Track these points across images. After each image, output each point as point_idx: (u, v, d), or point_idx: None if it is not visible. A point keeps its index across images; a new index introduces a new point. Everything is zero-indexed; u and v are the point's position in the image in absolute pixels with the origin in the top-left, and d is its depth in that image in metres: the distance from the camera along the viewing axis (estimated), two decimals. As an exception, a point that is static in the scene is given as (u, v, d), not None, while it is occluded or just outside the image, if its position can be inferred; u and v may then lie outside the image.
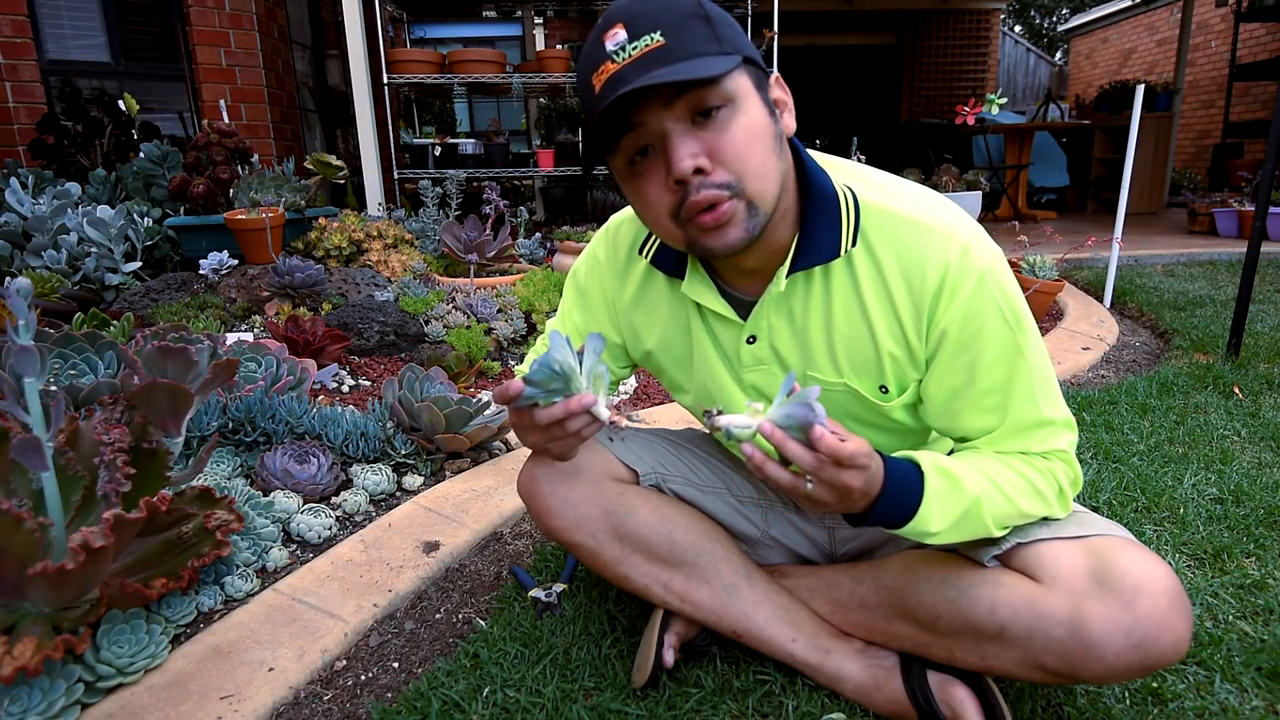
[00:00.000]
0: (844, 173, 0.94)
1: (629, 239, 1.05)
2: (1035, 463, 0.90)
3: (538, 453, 1.10)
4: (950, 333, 0.87)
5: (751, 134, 0.79)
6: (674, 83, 0.74)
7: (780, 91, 0.87)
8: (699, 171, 0.79)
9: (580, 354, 0.82)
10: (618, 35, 0.77)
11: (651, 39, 0.76)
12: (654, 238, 1.01)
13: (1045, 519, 0.92)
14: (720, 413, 0.76)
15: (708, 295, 0.97)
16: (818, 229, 0.89)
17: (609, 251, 1.08)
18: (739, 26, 0.83)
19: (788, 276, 0.91)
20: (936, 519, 0.84)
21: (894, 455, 0.86)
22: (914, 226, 0.88)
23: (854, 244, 0.89)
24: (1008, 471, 0.89)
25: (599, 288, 1.09)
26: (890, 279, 0.89)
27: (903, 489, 0.83)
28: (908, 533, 0.85)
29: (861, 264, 0.90)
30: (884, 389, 0.95)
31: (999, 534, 0.89)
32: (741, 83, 0.79)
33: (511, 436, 1.96)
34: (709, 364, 1.03)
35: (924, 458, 0.86)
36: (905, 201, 0.90)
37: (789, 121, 0.86)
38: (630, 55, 0.76)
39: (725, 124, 0.78)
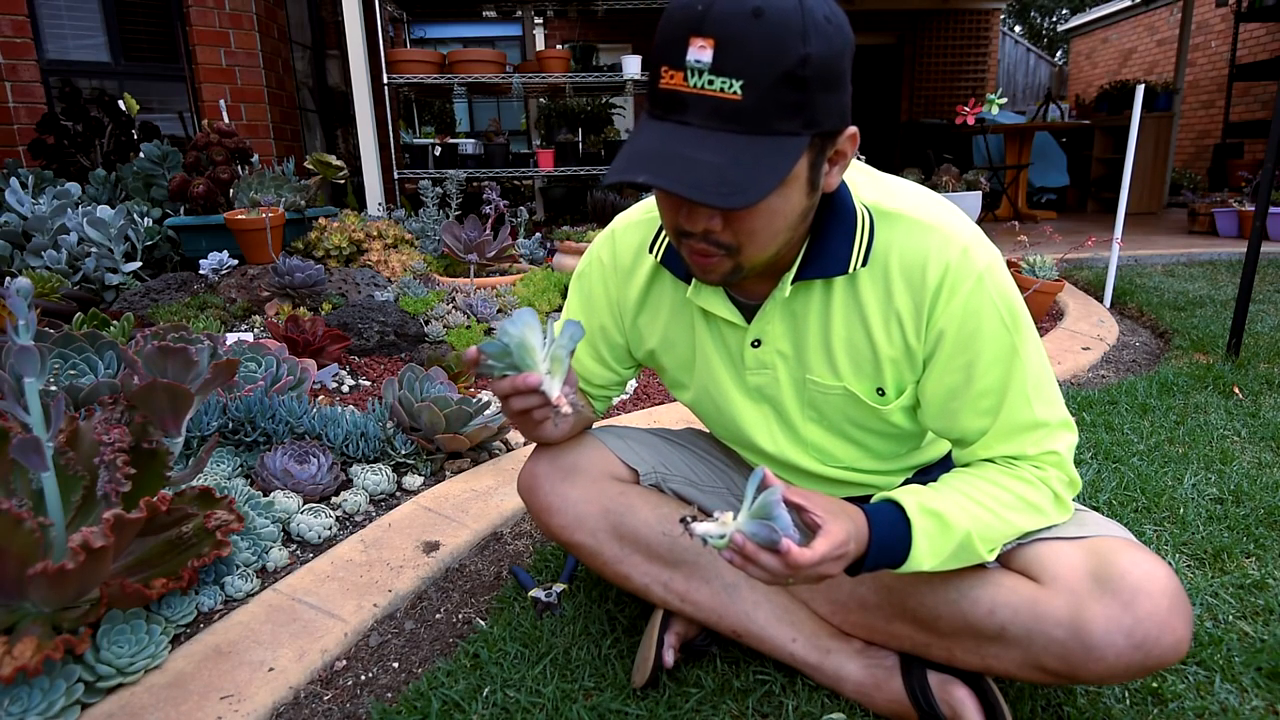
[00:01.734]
0: (852, 173, 0.93)
1: (635, 241, 1.05)
2: (1025, 475, 0.90)
3: (539, 448, 1.11)
4: (948, 332, 0.88)
5: (774, 216, 0.79)
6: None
7: (848, 145, 0.81)
8: (708, 231, 0.79)
9: (550, 335, 0.86)
10: (703, 51, 0.70)
11: (729, 86, 0.70)
12: (663, 237, 1.01)
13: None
14: (695, 519, 0.77)
15: (713, 300, 0.97)
16: (830, 243, 0.89)
17: (611, 256, 1.08)
18: (844, 72, 0.75)
19: (793, 283, 0.91)
20: (927, 559, 0.85)
21: (879, 501, 0.87)
22: (915, 226, 0.88)
23: (864, 263, 0.89)
24: (1000, 491, 0.88)
25: (603, 291, 1.09)
26: (891, 278, 0.89)
27: (889, 540, 0.84)
28: (900, 573, 0.87)
29: (865, 272, 0.90)
30: (881, 391, 0.95)
31: (991, 558, 0.89)
32: (796, 168, 0.75)
33: (512, 436, 1.96)
34: (710, 366, 1.03)
35: (909, 500, 0.86)
36: (906, 202, 0.90)
37: (833, 179, 0.82)
38: (703, 88, 0.71)
39: (755, 206, 0.76)
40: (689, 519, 0.76)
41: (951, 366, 0.89)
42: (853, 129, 0.80)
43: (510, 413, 0.93)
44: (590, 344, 1.12)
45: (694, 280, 0.97)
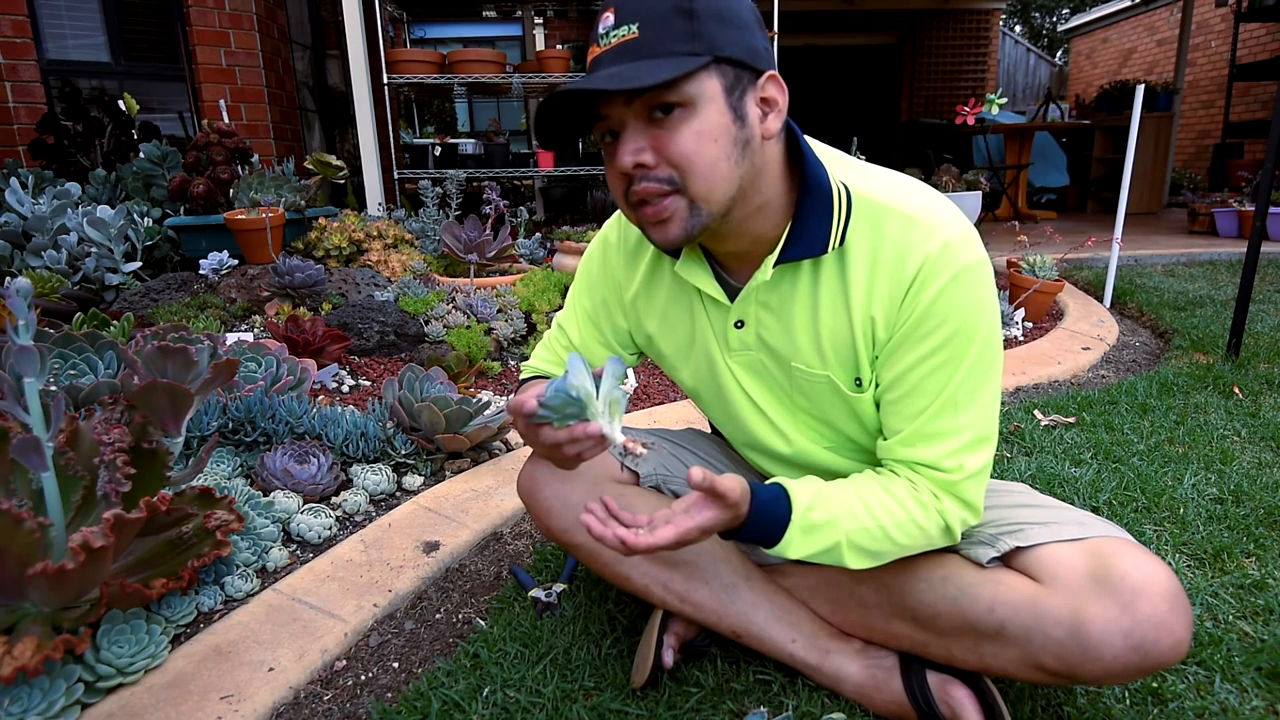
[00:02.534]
0: (840, 165, 0.94)
1: None
2: (924, 499, 0.90)
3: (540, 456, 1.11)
4: (910, 321, 0.87)
5: (702, 137, 0.80)
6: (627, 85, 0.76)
7: (774, 90, 0.85)
8: (640, 166, 0.82)
9: (598, 378, 0.82)
10: (608, 19, 0.81)
11: (629, 30, 0.79)
12: None
13: (1032, 523, 0.93)
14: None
15: (701, 276, 0.98)
16: (809, 222, 0.89)
17: (619, 235, 1.10)
18: (743, 18, 0.82)
19: (775, 266, 0.91)
20: (795, 550, 0.88)
21: (769, 490, 0.88)
22: (901, 218, 0.88)
23: (842, 241, 0.89)
24: (896, 509, 0.90)
25: (608, 271, 1.11)
26: (875, 268, 0.89)
27: (765, 524, 0.87)
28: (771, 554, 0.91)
29: (849, 257, 0.90)
30: (858, 381, 0.95)
31: (855, 567, 0.91)
32: (707, 85, 0.79)
33: (512, 436, 1.96)
34: (708, 349, 1.04)
35: (800, 496, 0.88)
36: (895, 194, 0.90)
37: (772, 124, 0.85)
38: (610, 42, 0.80)
39: (677, 124, 0.80)
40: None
41: (902, 359, 0.89)
42: (772, 72, 0.85)
43: (559, 457, 0.88)
44: (594, 324, 1.13)
45: (683, 254, 0.98)
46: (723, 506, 0.83)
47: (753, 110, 0.83)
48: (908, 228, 0.87)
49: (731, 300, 0.98)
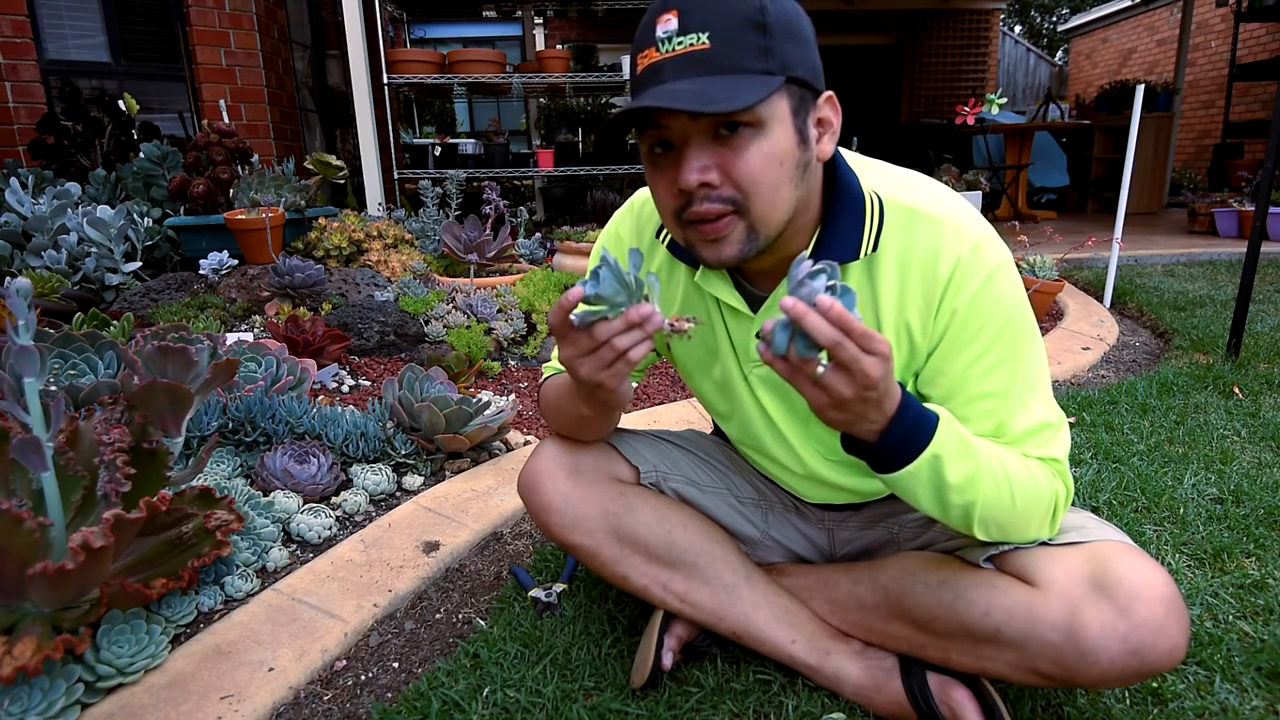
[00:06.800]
0: (867, 169, 0.93)
1: (656, 219, 1.03)
2: (1047, 470, 0.88)
3: (541, 447, 1.10)
4: (953, 326, 0.87)
5: (769, 160, 0.78)
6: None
7: (829, 111, 0.83)
8: (705, 185, 0.78)
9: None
10: (669, 23, 0.76)
11: (698, 39, 0.75)
12: None
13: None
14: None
15: (721, 287, 0.96)
16: (841, 230, 0.88)
17: (634, 230, 1.06)
18: (807, 35, 0.79)
19: None
20: (949, 452, 0.79)
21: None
22: (930, 221, 0.87)
23: (875, 248, 0.88)
24: (1023, 469, 0.85)
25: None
26: (906, 273, 0.88)
27: (916, 425, 0.79)
28: (901, 478, 0.80)
29: (877, 262, 0.89)
30: None
31: (980, 535, 0.86)
32: (777, 106, 0.77)
33: (512, 436, 1.96)
34: (724, 359, 1.03)
35: (944, 412, 0.82)
36: (918, 195, 0.90)
37: (826, 146, 0.84)
38: (674, 49, 0.76)
39: (745, 144, 0.77)
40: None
41: (953, 363, 0.89)
42: (830, 93, 0.83)
43: (601, 367, 0.80)
44: None
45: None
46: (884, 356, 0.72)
47: (813, 132, 0.82)
48: (936, 230, 0.87)
49: (754, 310, 0.96)
